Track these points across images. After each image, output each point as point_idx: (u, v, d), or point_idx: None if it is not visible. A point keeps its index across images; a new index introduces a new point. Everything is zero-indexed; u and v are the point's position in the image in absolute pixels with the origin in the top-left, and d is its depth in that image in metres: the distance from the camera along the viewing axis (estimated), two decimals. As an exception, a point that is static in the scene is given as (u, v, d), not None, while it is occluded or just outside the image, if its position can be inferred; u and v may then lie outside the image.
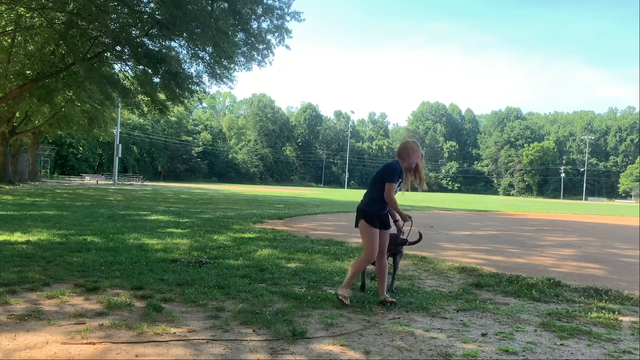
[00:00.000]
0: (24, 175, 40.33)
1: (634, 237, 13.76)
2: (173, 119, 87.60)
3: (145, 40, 21.75)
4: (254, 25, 21.08)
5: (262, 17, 20.98)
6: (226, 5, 18.87)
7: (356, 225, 4.63)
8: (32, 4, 18.69)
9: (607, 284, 6.00)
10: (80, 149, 73.78)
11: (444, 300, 4.76)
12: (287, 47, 22.09)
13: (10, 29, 22.07)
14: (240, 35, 21.19)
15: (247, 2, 19.19)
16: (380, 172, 4.55)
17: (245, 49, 22.10)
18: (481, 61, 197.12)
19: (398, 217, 4.76)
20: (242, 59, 22.84)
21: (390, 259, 5.02)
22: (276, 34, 21.66)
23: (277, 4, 20.65)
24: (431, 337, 3.58)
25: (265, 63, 22.70)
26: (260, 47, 21.98)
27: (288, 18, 20.96)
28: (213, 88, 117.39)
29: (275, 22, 21.12)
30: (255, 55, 22.51)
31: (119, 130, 49.48)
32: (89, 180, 55.64)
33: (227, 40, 18.75)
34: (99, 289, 4.53)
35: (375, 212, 4.51)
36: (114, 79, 24.19)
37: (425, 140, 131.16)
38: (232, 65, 22.79)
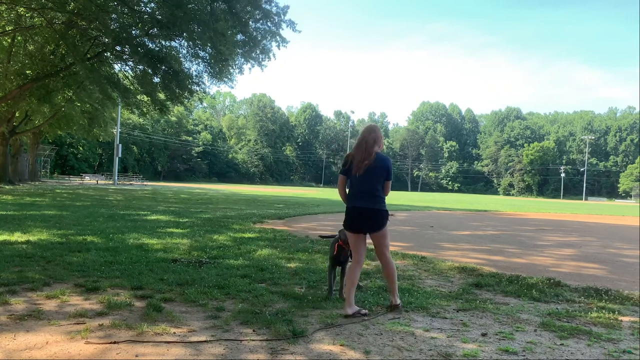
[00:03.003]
0: (24, 175, 40.33)
1: (634, 237, 13.76)
2: (173, 118, 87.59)
3: (146, 40, 21.74)
4: (253, 25, 21.08)
5: (260, 22, 21.02)
6: (225, 6, 18.86)
7: (372, 230, 3.94)
8: (32, 4, 18.68)
9: (607, 284, 6.00)
10: (80, 148, 73.71)
11: (444, 300, 4.76)
12: (274, 55, 22.14)
13: (10, 29, 22.06)
14: (239, 36, 21.18)
15: (246, 4, 19.18)
16: (386, 166, 4.08)
17: (242, 50, 22.09)
18: (481, 61, 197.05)
19: None
20: (242, 59, 22.85)
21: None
22: (271, 40, 21.67)
23: (274, 10, 20.68)
24: (431, 337, 3.58)
25: (262, 66, 22.70)
26: (257, 50, 21.97)
27: (284, 25, 21.02)
28: (213, 88, 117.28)
29: (272, 27, 21.14)
30: (254, 55, 22.51)
31: (119, 130, 49.47)
32: (89, 180, 55.58)
33: (224, 43, 18.74)
34: (99, 289, 4.54)
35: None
36: (114, 79, 24.19)
37: (425, 140, 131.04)
38: (229, 69, 22.83)
